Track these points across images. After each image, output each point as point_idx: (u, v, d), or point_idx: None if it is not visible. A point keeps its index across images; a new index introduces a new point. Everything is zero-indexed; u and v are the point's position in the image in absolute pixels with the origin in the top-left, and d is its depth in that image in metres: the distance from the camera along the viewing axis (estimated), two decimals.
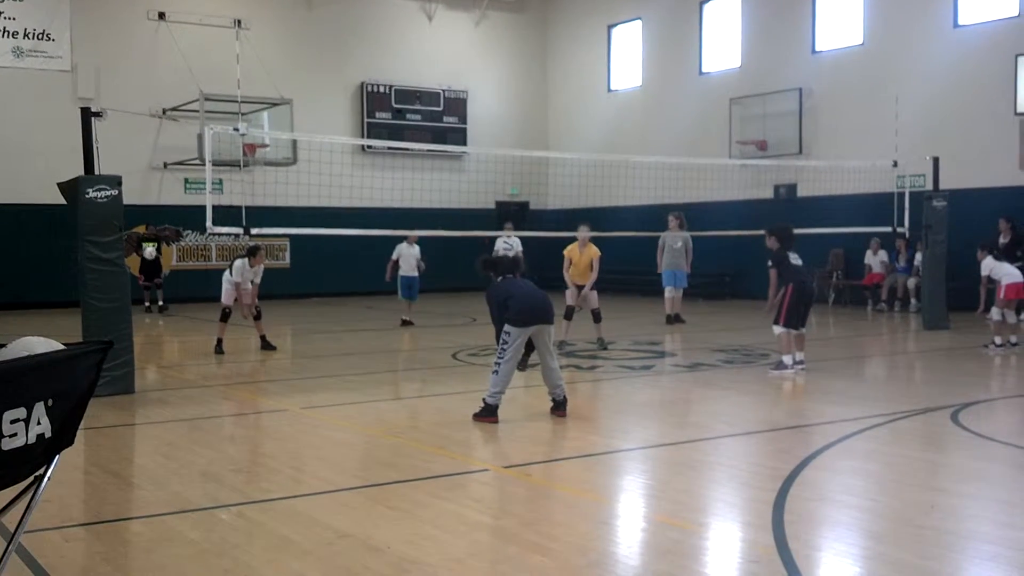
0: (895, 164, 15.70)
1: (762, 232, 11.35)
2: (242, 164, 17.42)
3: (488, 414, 7.94)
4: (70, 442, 3.70)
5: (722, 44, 22.87)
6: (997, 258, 12.80)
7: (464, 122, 25.42)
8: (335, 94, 24.00)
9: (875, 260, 19.11)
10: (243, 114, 18.30)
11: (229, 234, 14.08)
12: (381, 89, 24.41)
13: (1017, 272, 12.71)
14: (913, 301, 18.01)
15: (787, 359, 10.65)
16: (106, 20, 21.36)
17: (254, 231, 11.37)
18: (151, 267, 19.78)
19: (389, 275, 16.25)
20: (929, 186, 16.04)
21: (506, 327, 7.92)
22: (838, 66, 20.30)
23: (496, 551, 4.85)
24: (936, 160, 15.57)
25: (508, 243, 18.36)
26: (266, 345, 13.21)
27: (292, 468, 6.66)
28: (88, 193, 9.35)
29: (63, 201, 9.86)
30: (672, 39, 23.99)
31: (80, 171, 9.49)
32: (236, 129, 11.89)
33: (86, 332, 9.40)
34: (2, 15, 20.22)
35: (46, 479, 3.68)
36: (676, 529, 5.18)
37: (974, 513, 5.48)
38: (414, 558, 4.62)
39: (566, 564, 4.58)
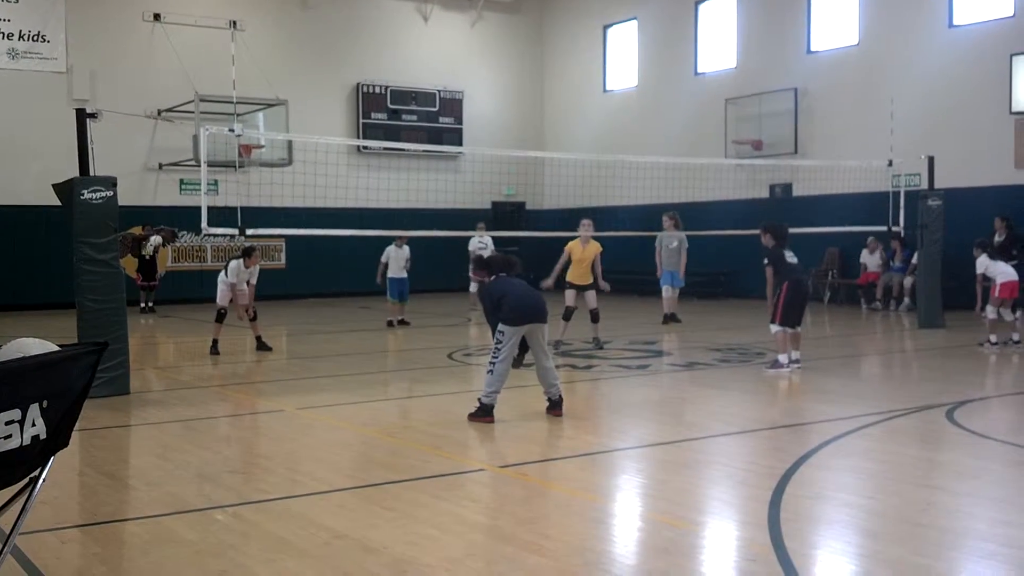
0: (890, 163, 15.71)
1: (757, 232, 11.37)
2: (237, 165, 17.41)
3: (484, 414, 7.94)
4: (65, 443, 3.70)
5: (718, 44, 22.88)
6: (992, 257, 12.84)
7: (460, 123, 25.39)
8: (331, 95, 23.98)
9: (871, 259, 19.13)
10: (238, 115, 18.30)
11: (225, 235, 14.07)
12: (377, 90, 24.39)
13: (1011, 271, 12.74)
14: (906, 300, 18.03)
15: (783, 358, 10.67)
16: (101, 21, 21.33)
17: (250, 232, 11.34)
18: (149, 267, 19.77)
19: (380, 278, 16.27)
20: (924, 185, 16.07)
21: (500, 326, 7.93)
22: (833, 66, 20.31)
23: (492, 551, 4.85)
24: (931, 159, 15.58)
25: (482, 242, 18.46)
26: (262, 346, 13.20)
27: (288, 469, 6.65)
28: (83, 194, 9.33)
29: (58, 202, 9.85)
30: (668, 39, 23.99)
31: (75, 172, 9.48)
32: (231, 130, 11.90)
33: (81, 333, 9.38)
34: None
35: (41, 480, 3.68)
36: (672, 528, 5.18)
37: (970, 511, 5.50)
38: (410, 558, 4.62)
39: (563, 563, 4.58)
